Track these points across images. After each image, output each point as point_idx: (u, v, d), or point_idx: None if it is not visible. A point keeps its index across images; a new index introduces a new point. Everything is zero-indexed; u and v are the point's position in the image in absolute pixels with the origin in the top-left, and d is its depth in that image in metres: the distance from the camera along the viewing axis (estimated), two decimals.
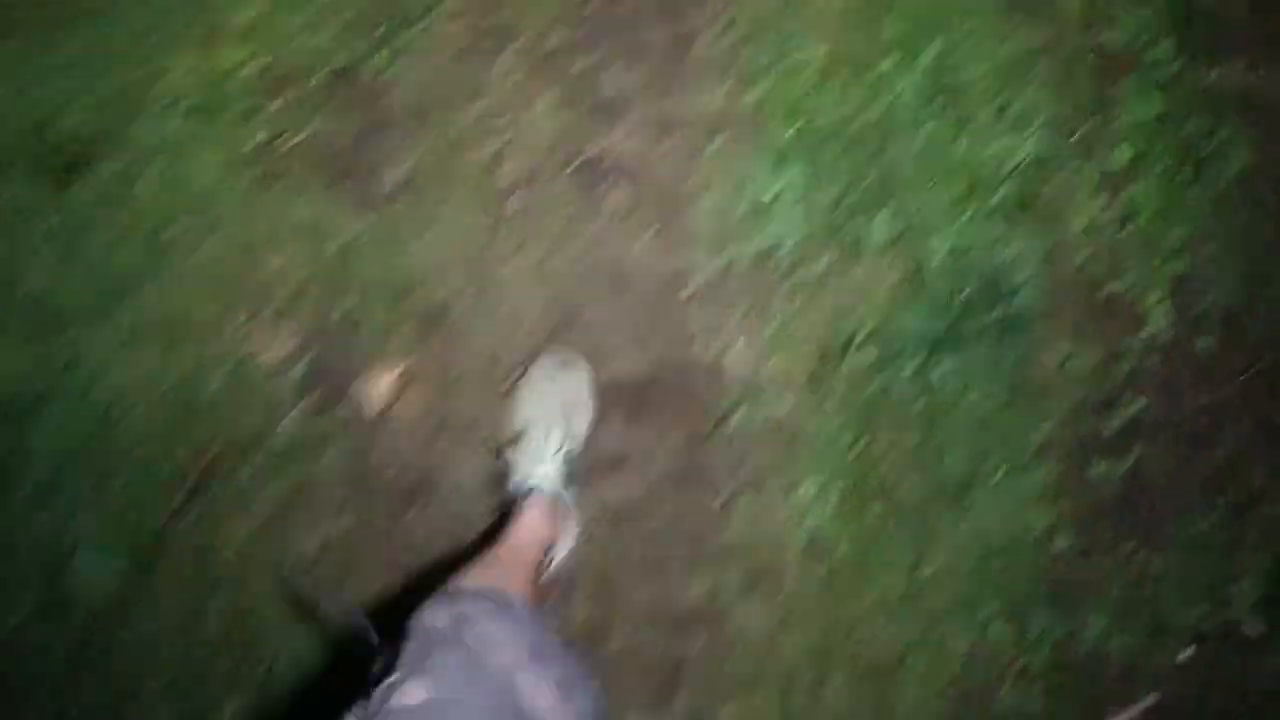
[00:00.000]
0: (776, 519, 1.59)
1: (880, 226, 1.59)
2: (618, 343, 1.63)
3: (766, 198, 1.64)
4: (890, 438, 1.61)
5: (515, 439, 1.51)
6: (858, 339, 1.62)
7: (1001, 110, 1.61)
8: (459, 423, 1.62)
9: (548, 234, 1.65)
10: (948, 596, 1.57)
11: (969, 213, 1.61)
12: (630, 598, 1.54)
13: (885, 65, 1.66)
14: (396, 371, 1.64)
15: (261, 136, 1.65)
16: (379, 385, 1.65)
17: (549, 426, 1.51)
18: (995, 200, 1.63)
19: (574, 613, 1.55)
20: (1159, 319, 1.70)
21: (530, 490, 1.42)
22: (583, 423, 1.55)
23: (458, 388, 1.61)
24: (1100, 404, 1.69)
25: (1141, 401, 1.69)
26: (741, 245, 1.63)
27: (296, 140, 1.64)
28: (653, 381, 1.63)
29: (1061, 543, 1.64)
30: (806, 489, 1.60)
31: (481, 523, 1.58)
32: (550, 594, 1.52)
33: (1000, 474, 1.62)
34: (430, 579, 1.53)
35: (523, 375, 1.61)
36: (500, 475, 1.49)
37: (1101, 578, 1.63)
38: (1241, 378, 1.68)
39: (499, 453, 1.51)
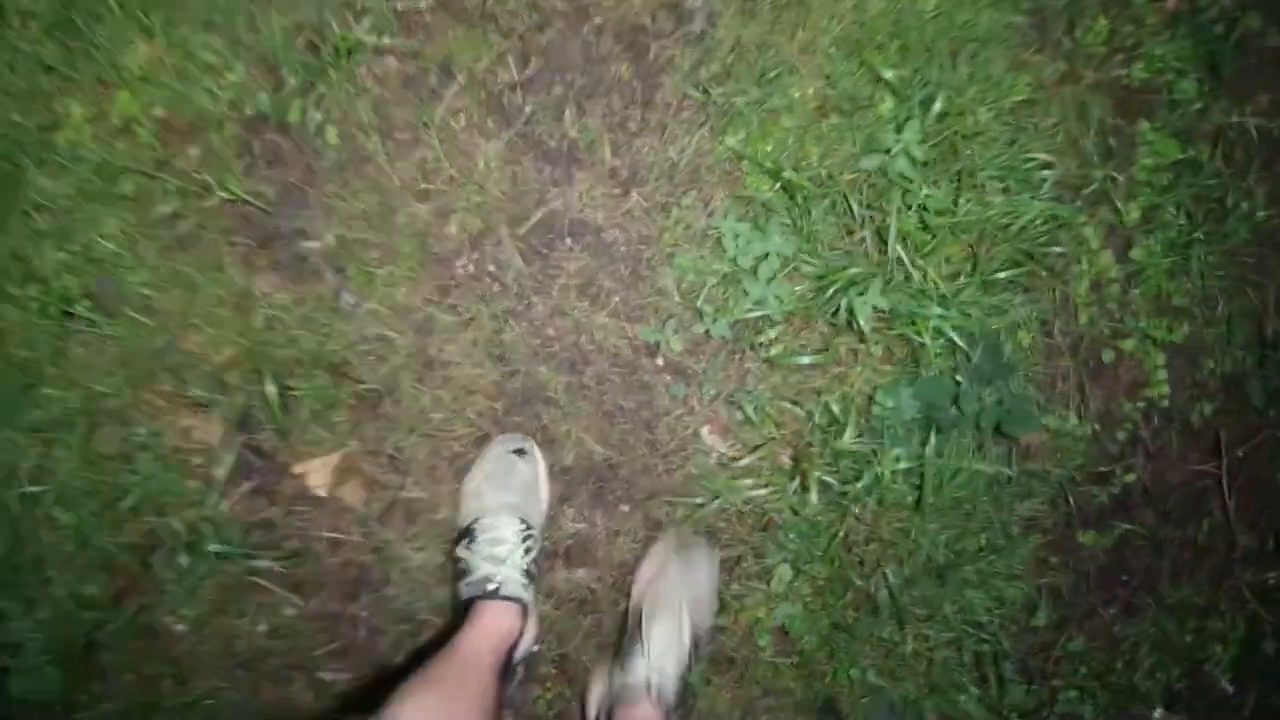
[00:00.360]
0: (747, 605, 1.51)
1: (871, 297, 1.42)
2: (578, 424, 1.48)
3: (745, 263, 1.45)
4: (871, 524, 1.51)
5: (467, 532, 1.40)
6: (842, 420, 1.48)
7: (1010, 166, 1.41)
8: (407, 510, 1.50)
9: (500, 303, 1.46)
10: (920, 675, 1.52)
11: (970, 281, 1.44)
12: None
13: (883, 108, 1.43)
14: (337, 456, 1.50)
15: (170, 203, 1.41)
16: (319, 471, 1.50)
17: (502, 518, 1.39)
18: (998, 264, 1.46)
19: (535, 696, 1.49)
20: (1159, 384, 1.58)
21: (488, 592, 1.31)
22: (538, 513, 1.43)
23: (404, 472, 1.47)
24: (1093, 475, 1.59)
25: (1134, 474, 1.60)
26: (716, 316, 1.46)
27: (208, 203, 1.41)
28: (616, 466, 1.50)
29: (1041, 616, 1.58)
30: (780, 576, 1.51)
31: (435, 613, 1.48)
32: (512, 680, 1.45)
33: (984, 552, 1.54)
34: (381, 672, 1.45)
35: (474, 462, 1.47)
36: (456, 571, 1.38)
37: (1078, 646, 1.58)
38: (1240, 450, 1.58)
39: (452, 547, 1.40)
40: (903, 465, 1.42)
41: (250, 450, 1.48)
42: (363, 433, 1.49)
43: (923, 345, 1.44)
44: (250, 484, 1.48)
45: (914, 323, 1.45)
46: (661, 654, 1.33)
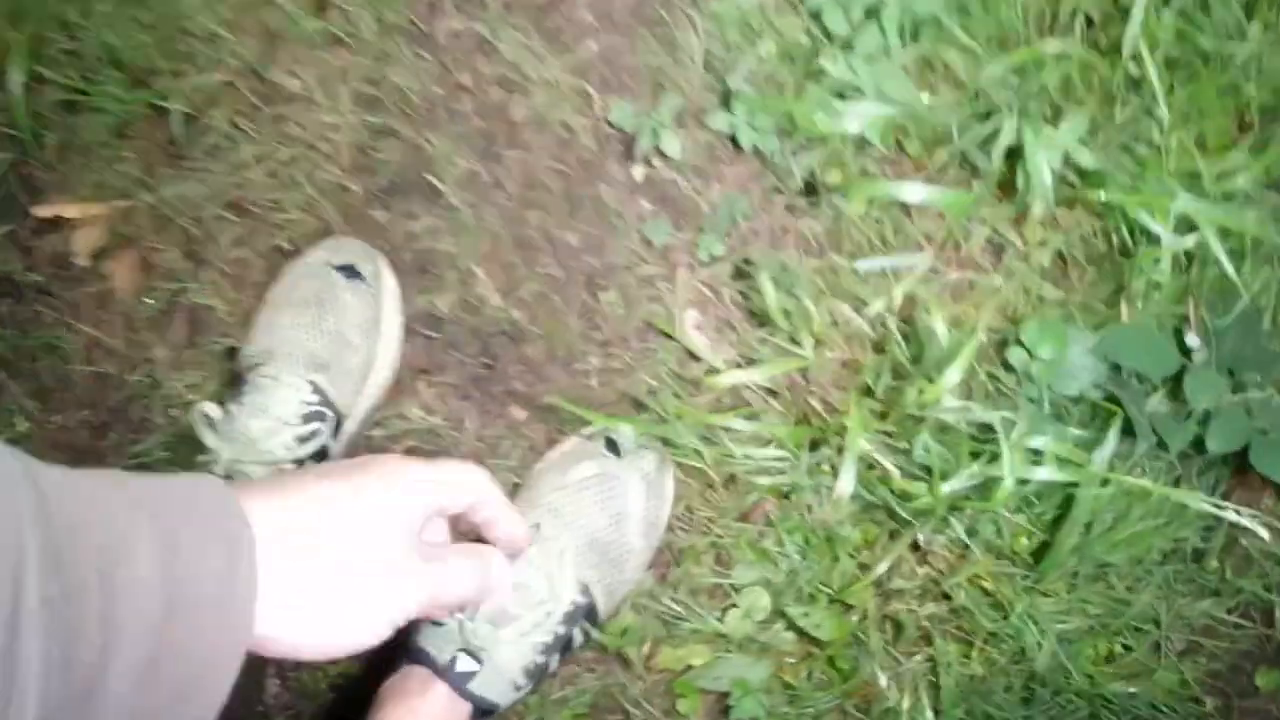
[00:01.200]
0: (675, 637, 0.83)
1: (1067, 136, 0.66)
2: (472, 249, 0.82)
3: (837, 22, 0.71)
4: (940, 568, 0.78)
5: (236, 382, 0.78)
6: (938, 358, 0.75)
7: None
8: (192, 319, 0.89)
9: (396, 8, 0.78)
10: None
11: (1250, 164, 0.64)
12: None
13: None
14: (106, 209, 0.89)
15: None
16: (84, 234, 0.91)
17: (286, 373, 0.78)
18: None
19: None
20: None
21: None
22: (359, 382, 0.80)
23: (198, 261, 0.87)
24: None
25: None
26: (756, 113, 0.76)
27: None
28: (520, 338, 0.85)
29: None
30: (748, 607, 0.81)
31: None
32: None
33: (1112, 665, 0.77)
34: None
35: (284, 271, 0.83)
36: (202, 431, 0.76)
37: None
38: None
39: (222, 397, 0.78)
40: (1036, 476, 0.67)
41: (18, 176, 0.90)
42: (153, 184, 0.86)
43: (1134, 260, 0.66)
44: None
45: (1130, 215, 0.68)
46: (500, 616, 0.71)
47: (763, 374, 0.71)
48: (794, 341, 0.79)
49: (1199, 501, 0.71)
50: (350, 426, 0.84)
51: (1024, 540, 0.82)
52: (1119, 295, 0.81)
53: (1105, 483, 0.73)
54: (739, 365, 0.75)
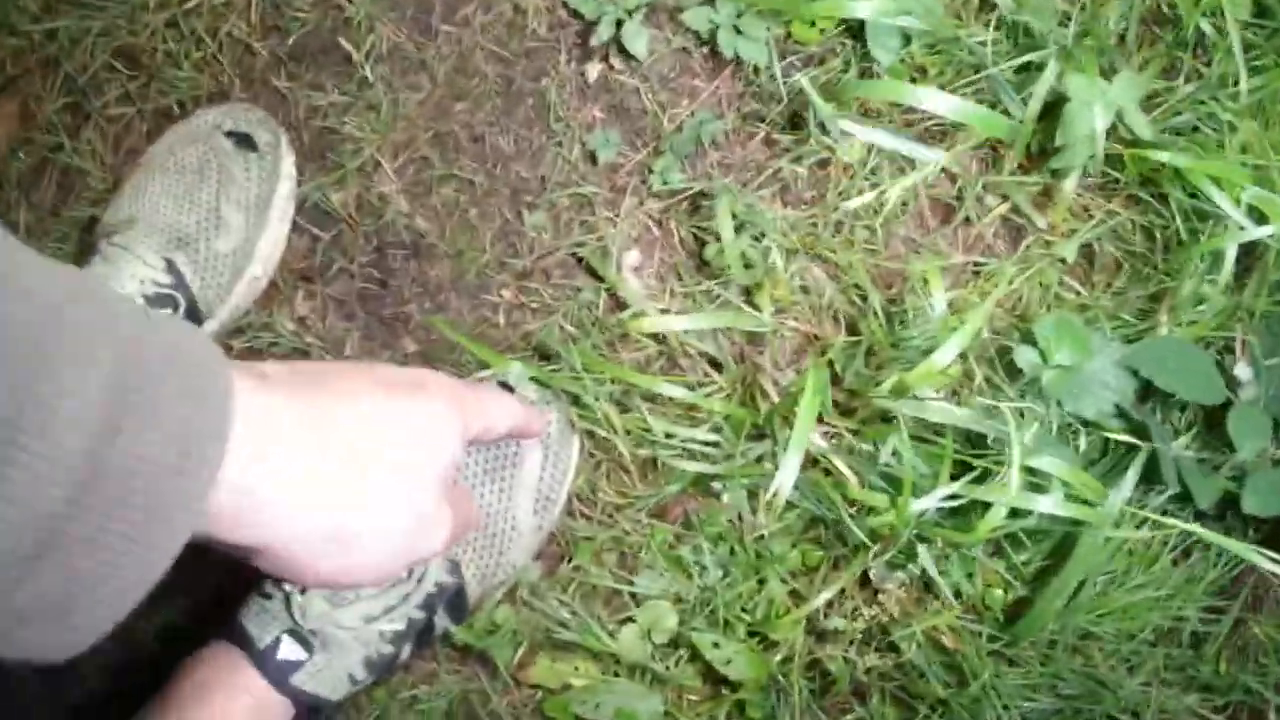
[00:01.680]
0: (555, 649, 0.65)
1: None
2: (386, 139, 0.66)
3: None
4: (892, 611, 0.61)
5: (91, 251, 0.62)
6: (921, 339, 0.57)
7: None
8: (62, 181, 0.74)
9: None
10: None
11: None
12: None
13: None
14: None
15: None
16: None
17: (142, 246, 0.64)
18: None
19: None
20: None
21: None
22: (226, 270, 0.65)
23: (82, 115, 0.74)
24: None
25: None
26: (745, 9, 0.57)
27: None
28: (429, 254, 0.69)
29: None
30: (648, 621, 0.64)
31: None
32: None
33: None
34: None
35: (167, 132, 0.67)
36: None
37: None
38: None
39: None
40: (1037, 507, 0.50)
41: None
42: (49, 21, 0.71)
43: (1187, 254, 0.50)
44: None
45: (1193, 191, 0.51)
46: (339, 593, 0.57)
47: (702, 323, 0.54)
48: (752, 305, 0.63)
49: (1248, 550, 0.53)
50: (209, 328, 0.67)
51: (998, 592, 0.65)
52: (1155, 306, 0.64)
53: (1117, 525, 0.55)
54: (683, 319, 0.58)
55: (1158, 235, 0.66)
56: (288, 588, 0.55)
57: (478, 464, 0.61)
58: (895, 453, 0.56)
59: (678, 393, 0.56)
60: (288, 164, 0.68)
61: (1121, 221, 0.64)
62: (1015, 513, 0.56)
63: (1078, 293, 0.65)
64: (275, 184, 0.67)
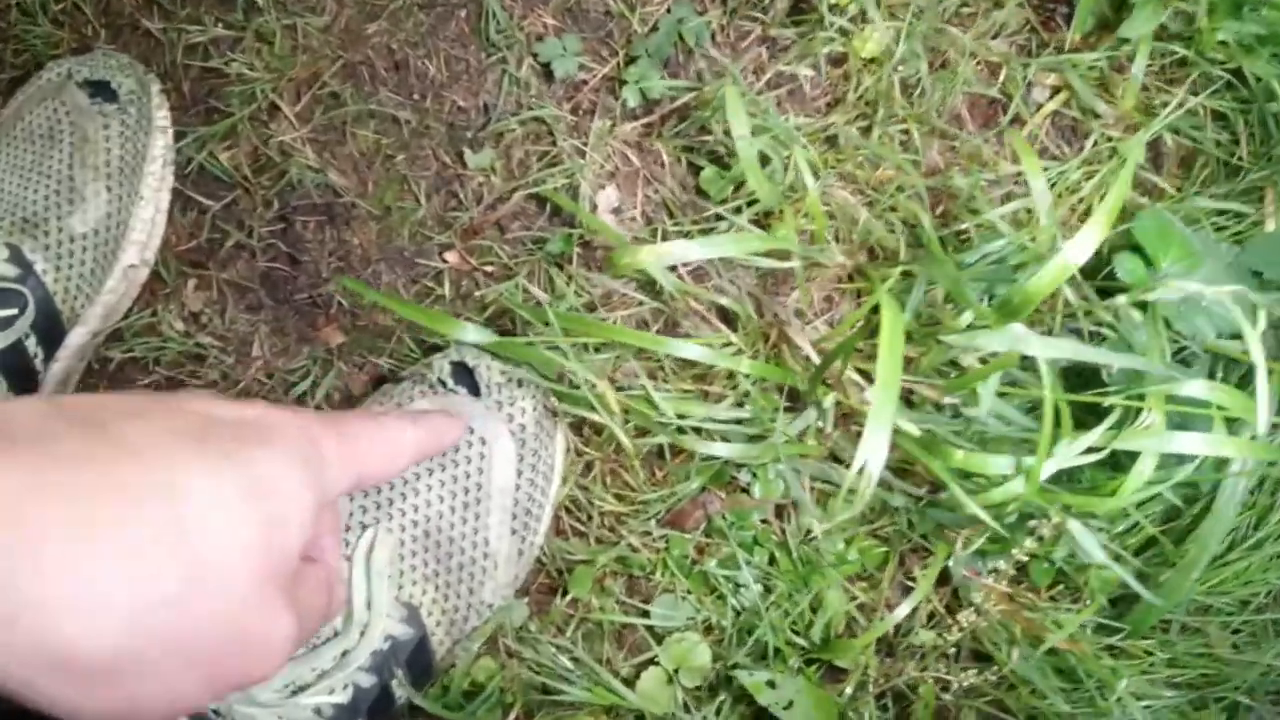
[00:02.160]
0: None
1: None
2: (285, 77, 0.51)
3: None
4: (993, 603, 0.44)
5: None
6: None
7: None
8: None
9: None
10: None
11: None
12: None
13: None
14: None
15: None
16: None
17: None
18: None
19: None
20: None
21: None
22: (88, 250, 0.52)
23: None
24: None
25: None
26: None
27: None
28: (347, 217, 0.52)
29: None
30: (678, 656, 0.47)
31: None
32: None
33: None
34: None
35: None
36: None
37: None
38: None
39: None
40: (1184, 447, 0.35)
41: None
42: None
43: None
44: None
45: None
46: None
47: (720, 249, 0.39)
48: (783, 226, 0.48)
49: None
50: (78, 337, 0.51)
51: (1109, 574, 0.50)
52: (1251, 201, 0.51)
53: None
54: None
55: (1240, 122, 0.53)
56: None
57: (430, 474, 0.45)
58: (995, 411, 0.42)
59: (691, 352, 0.41)
60: (160, 117, 0.52)
61: (1194, 116, 0.51)
62: (1163, 464, 0.42)
63: (1158, 193, 0.52)
64: (145, 143, 0.51)
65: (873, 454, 0.34)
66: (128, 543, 0.23)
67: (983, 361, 0.44)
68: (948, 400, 0.43)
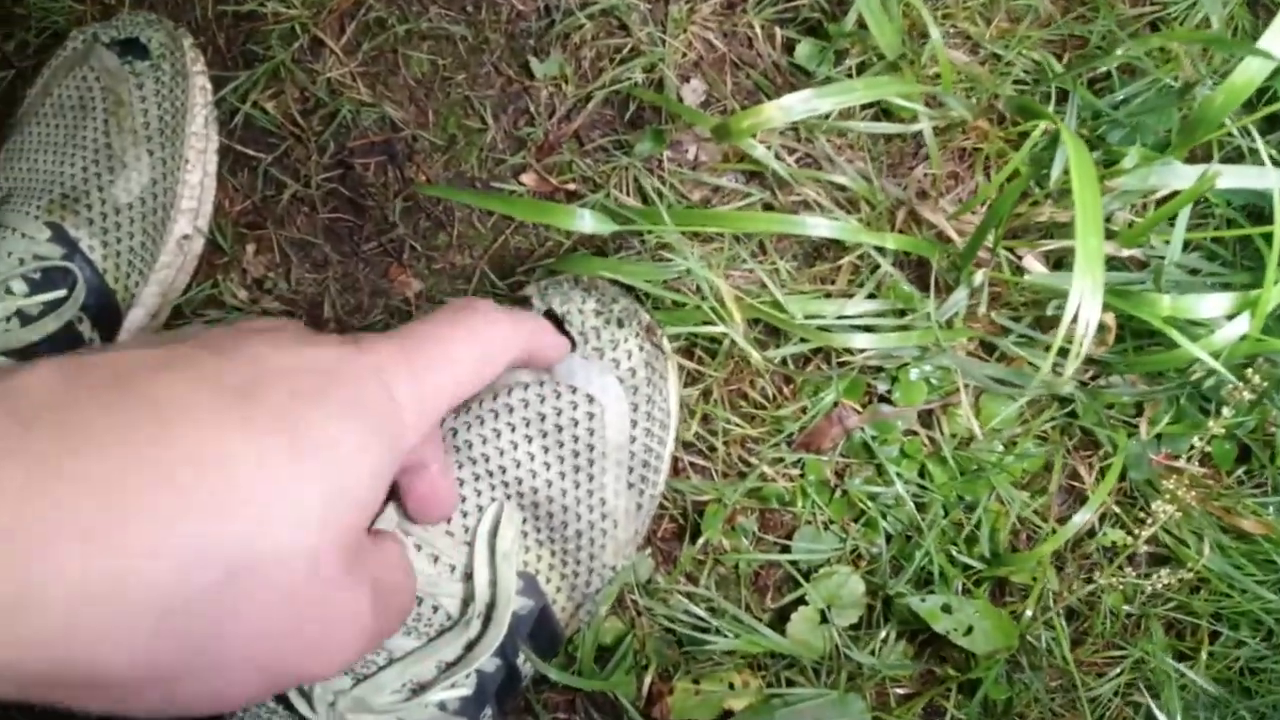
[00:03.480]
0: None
1: None
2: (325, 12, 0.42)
3: None
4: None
5: None
6: None
7: None
8: None
9: None
10: None
11: None
12: None
13: None
14: None
15: None
16: None
17: (17, 210, 0.41)
18: None
19: None
20: None
21: None
22: (127, 216, 0.47)
23: None
24: None
25: None
26: None
27: None
28: (412, 151, 0.44)
29: None
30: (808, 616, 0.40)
31: None
32: None
33: None
34: None
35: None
36: None
37: None
38: None
39: None
40: None
41: None
42: None
43: None
44: None
45: None
46: (379, 663, 0.36)
47: (843, 97, 0.32)
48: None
49: None
50: (136, 319, 0.46)
51: None
52: None
53: None
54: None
55: None
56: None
57: (530, 441, 0.39)
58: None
59: (826, 228, 0.34)
60: (196, 70, 0.46)
61: None
62: None
63: None
64: (184, 100, 0.46)
65: (1086, 299, 0.27)
66: (157, 533, 0.18)
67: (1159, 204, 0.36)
68: (1125, 253, 0.36)
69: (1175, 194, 0.37)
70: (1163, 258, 0.37)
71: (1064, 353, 0.30)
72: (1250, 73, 0.31)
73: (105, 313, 0.45)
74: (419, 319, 0.27)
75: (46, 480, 0.17)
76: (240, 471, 0.19)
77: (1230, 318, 0.32)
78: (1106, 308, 0.34)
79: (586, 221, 0.32)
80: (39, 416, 0.18)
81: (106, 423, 0.19)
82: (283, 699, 0.35)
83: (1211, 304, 0.32)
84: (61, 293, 0.43)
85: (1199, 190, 0.32)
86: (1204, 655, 0.45)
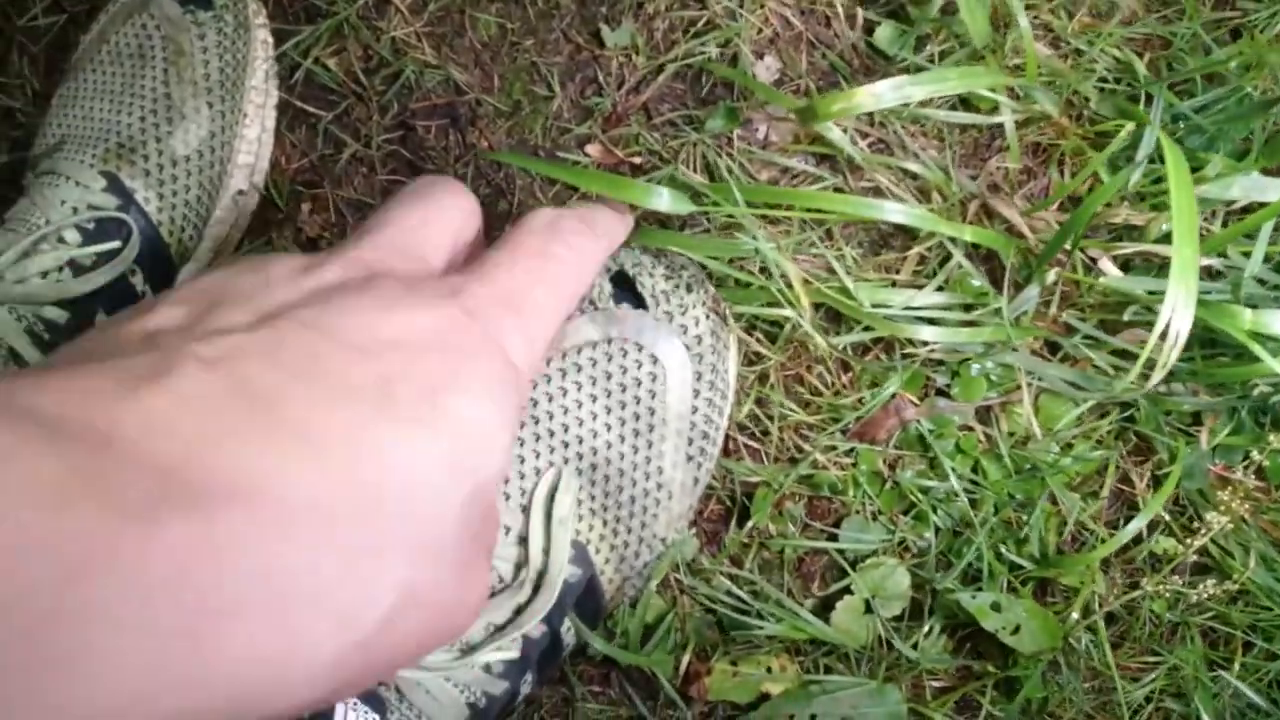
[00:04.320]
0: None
1: None
2: None
3: None
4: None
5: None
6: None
7: None
8: None
9: None
10: None
11: None
12: None
13: None
14: None
15: None
16: None
17: (77, 160, 0.42)
18: None
19: None
20: None
21: None
22: (199, 174, 0.43)
23: None
24: None
25: None
26: None
27: None
28: (478, 115, 0.44)
29: None
30: (875, 580, 0.39)
31: None
32: None
33: None
34: None
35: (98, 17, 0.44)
36: None
37: None
38: None
39: None
40: None
41: None
42: None
43: None
44: None
45: None
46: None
47: (934, 86, 0.31)
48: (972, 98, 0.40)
49: None
50: (188, 274, 0.45)
51: None
52: None
53: None
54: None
55: None
56: None
57: (594, 400, 0.38)
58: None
59: (901, 213, 0.33)
60: (258, 22, 0.45)
61: None
62: None
63: None
64: (245, 53, 0.45)
65: (1179, 309, 0.26)
66: (321, 576, 0.17)
67: (1242, 215, 0.35)
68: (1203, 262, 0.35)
69: (1253, 205, 0.36)
70: (1240, 269, 0.36)
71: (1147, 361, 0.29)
72: None
73: (159, 266, 0.45)
74: (500, 244, 0.24)
75: (200, 540, 0.16)
76: (397, 483, 0.18)
77: None
78: (1116, 321, 0.33)
79: (664, 200, 0.31)
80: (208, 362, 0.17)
81: (256, 453, 0.17)
82: None
83: None
84: (116, 244, 0.43)
85: (1276, 210, 0.31)
86: (1236, 666, 0.45)
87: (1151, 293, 0.37)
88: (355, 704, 0.34)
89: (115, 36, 0.47)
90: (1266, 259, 0.40)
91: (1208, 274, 0.37)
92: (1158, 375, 0.29)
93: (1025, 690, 0.43)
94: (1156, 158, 0.39)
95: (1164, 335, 0.27)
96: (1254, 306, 0.34)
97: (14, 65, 0.53)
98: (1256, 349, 0.31)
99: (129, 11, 0.47)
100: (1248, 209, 0.38)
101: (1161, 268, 0.38)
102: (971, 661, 0.45)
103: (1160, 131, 0.29)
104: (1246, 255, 0.38)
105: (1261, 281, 0.35)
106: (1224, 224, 0.39)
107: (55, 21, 0.52)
